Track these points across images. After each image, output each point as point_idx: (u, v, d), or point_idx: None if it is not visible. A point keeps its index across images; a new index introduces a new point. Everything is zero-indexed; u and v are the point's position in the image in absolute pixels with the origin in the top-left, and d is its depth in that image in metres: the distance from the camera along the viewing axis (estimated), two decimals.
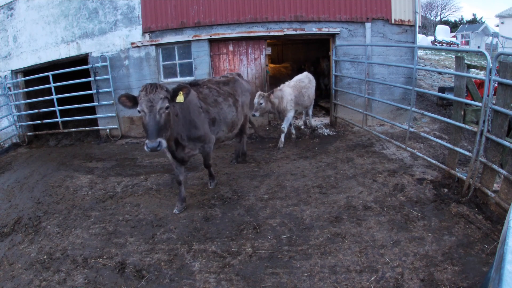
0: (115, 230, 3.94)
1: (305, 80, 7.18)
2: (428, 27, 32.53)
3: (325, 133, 7.55)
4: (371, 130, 6.93)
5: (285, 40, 11.23)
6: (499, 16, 26.89)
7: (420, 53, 16.57)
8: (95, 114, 8.25)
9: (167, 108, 3.29)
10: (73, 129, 8.43)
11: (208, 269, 3.14)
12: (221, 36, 7.55)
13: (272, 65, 10.45)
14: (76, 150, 7.65)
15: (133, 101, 3.36)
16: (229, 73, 5.53)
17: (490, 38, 18.58)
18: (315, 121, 8.58)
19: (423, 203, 4.07)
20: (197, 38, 7.58)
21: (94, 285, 3.03)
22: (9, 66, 8.57)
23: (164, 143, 3.22)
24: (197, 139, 4.10)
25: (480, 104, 3.83)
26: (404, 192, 4.38)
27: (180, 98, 3.48)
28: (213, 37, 7.56)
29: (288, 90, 6.66)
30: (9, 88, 8.51)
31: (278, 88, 6.64)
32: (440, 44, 21.81)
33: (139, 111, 3.28)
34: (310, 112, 7.83)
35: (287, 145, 6.77)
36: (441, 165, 4.65)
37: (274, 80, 9.27)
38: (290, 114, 6.68)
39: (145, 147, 3.15)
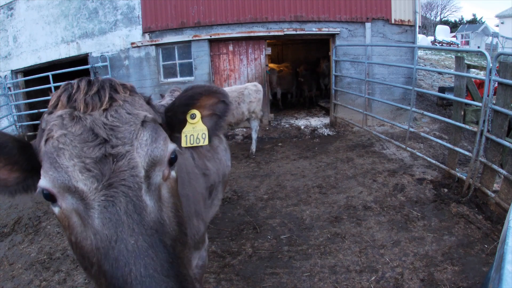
0: None
1: (235, 92, 5.90)
2: (428, 27, 32.54)
3: (325, 133, 7.55)
4: (371, 130, 6.93)
5: (285, 40, 11.24)
6: (499, 16, 26.90)
7: (420, 53, 16.57)
8: None
9: (172, 163, 1.00)
10: None
11: (208, 269, 3.14)
12: (221, 36, 7.55)
13: (273, 65, 10.43)
14: None
15: (21, 164, 0.95)
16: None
17: (490, 38, 18.58)
18: (315, 121, 8.58)
19: (423, 203, 4.07)
20: (197, 38, 7.58)
21: (94, 285, 3.03)
22: (9, 66, 8.58)
23: None
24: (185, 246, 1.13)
25: (480, 104, 3.83)
26: (404, 192, 4.38)
27: (198, 130, 1.16)
28: (213, 37, 7.56)
29: None
30: (9, 88, 8.52)
31: None
32: (440, 44, 21.81)
33: (58, 206, 0.89)
34: (253, 128, 6.30)
35: (287, 145, 6.78)
36: (441, 165, 4.65)
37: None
38: None
39: None
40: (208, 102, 1.14)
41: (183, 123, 1.14)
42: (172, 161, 0.98)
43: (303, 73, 10.12)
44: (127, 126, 0.91)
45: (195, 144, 1.16)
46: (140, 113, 0.96)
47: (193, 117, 1.13)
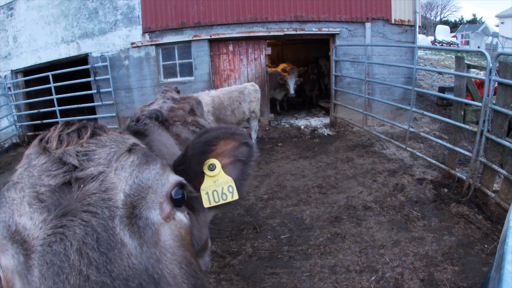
0: None
1: (236, 92, 5.91)
2: (428, 27, 32.54)
3: (325, 133, 7.55)
4: (371, 130, 6.93)
5: (285, 40, 11.23)
6: (499, 16, 26.90)
7: (420, 53, 16.57)
8: (95, 114, 8.26)
9: (178, 204, 0.77)
10: None
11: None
12: (221, 36, 7.55)
13: (283, 65, 10.28)
14: None
15: None
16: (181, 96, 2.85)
17: (490, 38, 18.58)
18: (315, 121, 8.58)
19: (423, 203, 4.07)
20: (197, 38, 7.58)
21: None
22: (9, 66, 8.58)
23: None
24: None
25: (480, 104, 3.83)
26: (404, 192, 4.38)
27: (222, 183, 0.96)
28: (213, 37, 7.56)
29: (205, 100, 5.26)
30: (9, 88, 8.52)
31: (194, 95, 5.21)
32: (440, 44, 21.81)
33: None
34: (252, 128, 6.34)
35: (287, 145, 6.78)
36: (441, 165, 4.65)
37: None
38: None
39: None
40: (228, 147, 0.94)
41: (200, 177, 0.93)
42: (178, 202, 0.75)
43: (314, 71, 10.03)
44: (106, 148, 0.72)
45: (221, 202, 0.94)
46: (129, 141, 0.77)
47: (212, 168, 0.92)
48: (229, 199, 0.95)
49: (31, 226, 0.60)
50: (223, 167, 0.94)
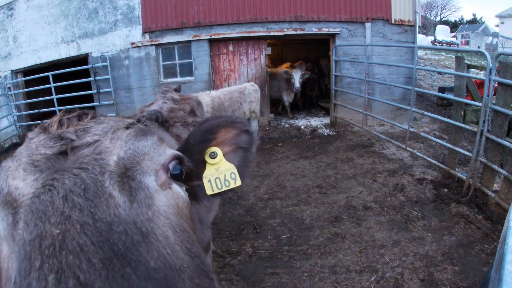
0: None
1: (236, 92, 5.91)
2: (428, 27, 32.54)
3: (325, 133, 7.55)
4: (371, 130, 6.93)
5: (285, 40, 11.22)
6: (499, 16, 26.90)
7: (420, 53, 16.57)
8: None
9: (176, 177, 0.78)
10: None
11: None
12: (221, 36, 7.55)
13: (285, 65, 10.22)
14: None
15: None
16: (182, 95, 2.88)
17: (490, 38, 18.58)
18: (315, 121, 8.58)
19: (423, 203, 4.07)
20: (197, 38, 7.58)
21: None
22: (9, 66, 8.58)
23: None
24: None
25: (480, 104, 3.83)
26: (404, 192, 4.38)
27: (224, 170, 0.97)
28: (213, 37, 7.56)
29: (205, 100, 5.17)
30: (9, 88, 8.53)
31: (194, 95, 4.95)
32: (440, 44, 21.81)
33: None
34: (252, 127, 6.69)
35: (287, 145, 6.78)
36: (441, 165, 4.65)
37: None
38: None
39: None
40: (228, 135, 0.96)
41: (202, 166, 0.94)
42: (176, 177, 0.75)
43: (314, 70, 10.00)
44: (104, 124, 0.73)
45: (224, 188, 0.95)
46: (128, 121, 0.79)
47: (213, 156, 0.94)
48: (232, 186, 0.95)
49: (23, 185, 0.60)
50: (224, 155, 0.95)
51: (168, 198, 0.70)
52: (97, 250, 0.51)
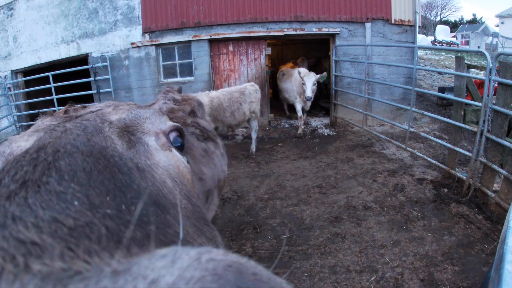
0: None
1: (236, 93, 5.81)
2: (428, 27, 32.54)
3: (325, 133, 7.55)
4: (371, 130, 6.92)
5: (285, 40, 11.22)
6: (499, 16, 26.90)
7: (420, 53, 16.57)
8: None
9: (179, 147, 0.81)
10: None
11: None
12: (221, 36, 7.55)
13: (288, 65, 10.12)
14: None
15: None
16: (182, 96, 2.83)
17: (490, 38, 18.59)
18: (315, 121, 8.58)
19: (423, 203, 4.07)
20: (197, 38, 7.59)
21: None
22: (9, 66, 8.59)
23: None
24: None
25: (480, 104, 3.83)
26: (404, 192, 4.38)
27: None
28: (213, 37, 7.56)
29: (203, 100, 4.97)
30: (9, 88, 8.53)
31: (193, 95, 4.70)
32: (440, 44, 21.80)
33: None
34: (253, 128, 6.28)
35: (287, 145, 6.77)
36: (441, 165, 4.65)
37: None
38: None
39: None
40: None
41: None
42: (177, 148, 0.77)
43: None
44: (107, 103, 0.81)
45: None
46: (132, 105, 0.83)
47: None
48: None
49: (25, 144, 0.62)
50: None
51: (169, 158, 0.69)
52: (85, 158, 0.48)
